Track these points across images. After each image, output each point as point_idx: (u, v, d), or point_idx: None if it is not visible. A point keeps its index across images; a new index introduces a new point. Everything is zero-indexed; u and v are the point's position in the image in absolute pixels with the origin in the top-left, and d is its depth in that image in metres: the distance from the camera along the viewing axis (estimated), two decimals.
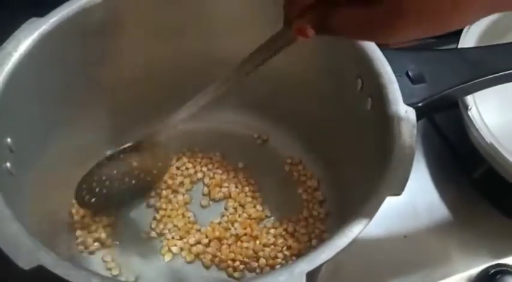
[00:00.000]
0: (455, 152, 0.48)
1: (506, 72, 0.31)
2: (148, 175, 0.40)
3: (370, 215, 0.24)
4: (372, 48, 0.31)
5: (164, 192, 0.41)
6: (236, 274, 0.38)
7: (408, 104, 0.29)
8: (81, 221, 0.38)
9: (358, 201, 0.33)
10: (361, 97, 0.32)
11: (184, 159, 0.43)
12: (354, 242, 0.24)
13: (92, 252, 0.37)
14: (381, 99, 0.30)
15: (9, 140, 0.28)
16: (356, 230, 0.24)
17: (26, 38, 0.30)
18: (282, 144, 0.44)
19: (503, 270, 0.42)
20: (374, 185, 0.27)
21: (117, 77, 0.37)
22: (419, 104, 0.30)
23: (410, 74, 0.31)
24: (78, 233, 0.38)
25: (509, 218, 0.45)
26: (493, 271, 0.41)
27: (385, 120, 0.29)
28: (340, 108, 0.36)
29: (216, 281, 0.37)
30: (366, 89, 0.32)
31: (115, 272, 0.37)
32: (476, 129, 0.38)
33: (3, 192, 0.24)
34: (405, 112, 0.28)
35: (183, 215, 0.40)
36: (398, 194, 0.25)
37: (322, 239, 0.39)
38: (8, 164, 0.27)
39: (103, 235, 0.38)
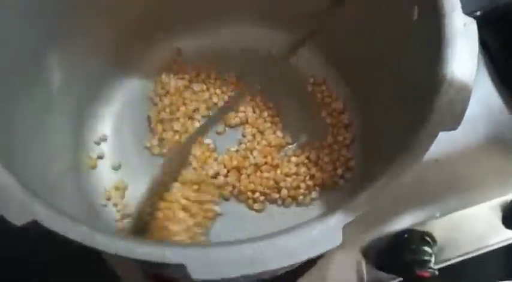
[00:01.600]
0: (498, 66, 0.43)
1: None
2: None
3: (419, 155, 0.20)
4: None
5: (182, 120, 0.37)
6: (256, 206, 0.35)
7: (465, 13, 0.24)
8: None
9: (392, 128, 0.30)
10: (406, 4, 0.26)
11: (198, 82, 0.39)
12: None
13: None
14: (433, 7, 0.24)
15: None
16: (403, 174, 0.20)
17: None
18: (305, 61, 0.40)
19: None
20: (420, 117, 0.22)
21: None
22: (478, 13, 0.24)
23: None
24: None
25: None
26: None
27: (437, 34, 0.24)
28: (377, 19, 0.30)
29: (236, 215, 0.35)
30: None
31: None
32: None
33: None
34: (464, 25, 0.22)
35: (201, 143, 0.37)
36: (454, 128, 0.21)
37: (348, 168, 0.36)
38: None
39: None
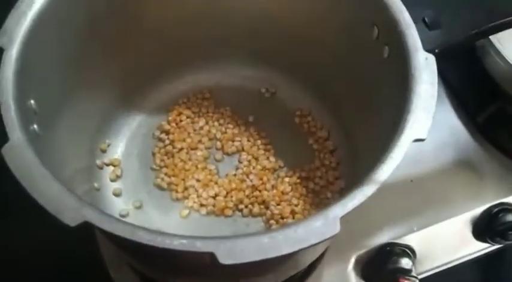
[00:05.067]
0: (459, 97, 0.49)
1: None
2: None
3: (395, 160, 0.25)
4: None
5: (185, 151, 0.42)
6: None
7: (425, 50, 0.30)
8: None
9: (373, 148, 0.34)
10: (377, 45, 0.32)
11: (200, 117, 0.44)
12: None
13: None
14: (399, 47, 0.30)
15: (32, 101, 0.28)
16: (383, 175, 0.25)
17: None
18: (291, 96, 0.45)
19: (505, 208, 0.44)
20: (393, 132, 0.27)
21: (131, 33, 0.37)
22: (436, 51, 0.31)
23: (426, 20, 0.31)
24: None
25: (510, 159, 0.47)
26: (495, 210, 0.44)
27: (404, 67, 0.29)
28: (353, 58, 0.36)
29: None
30: (382, 37, 0.32)
31: None
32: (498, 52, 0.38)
33: (37, 154, 0.25)
34: (425, 59, 0.28)
35: (204, 169, 0.41)
36: (422, 139, 0.26)
37: (337, 186, 0.41)
38: (35, 126, 0.27)
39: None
